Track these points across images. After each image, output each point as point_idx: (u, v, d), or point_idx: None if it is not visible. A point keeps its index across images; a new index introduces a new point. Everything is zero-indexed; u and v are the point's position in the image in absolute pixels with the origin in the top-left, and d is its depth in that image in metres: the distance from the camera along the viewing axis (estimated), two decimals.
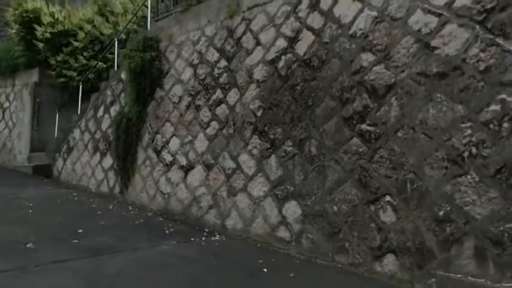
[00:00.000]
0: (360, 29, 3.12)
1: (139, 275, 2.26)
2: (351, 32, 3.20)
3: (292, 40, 3.73)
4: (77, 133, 6.52)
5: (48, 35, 7.34)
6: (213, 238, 3.43)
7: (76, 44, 7.40)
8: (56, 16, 7.51)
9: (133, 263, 2.45)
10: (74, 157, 6.47)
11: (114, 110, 5.90)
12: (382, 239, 2.70)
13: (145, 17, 6.81)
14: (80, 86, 6.93)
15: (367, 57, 3.02)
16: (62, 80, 7.61)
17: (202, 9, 4.86)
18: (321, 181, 3.22)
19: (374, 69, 2.96)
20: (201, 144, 4.44)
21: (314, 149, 3.32)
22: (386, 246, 2.66)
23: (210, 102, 4.46)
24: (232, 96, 4.24)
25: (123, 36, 6.73)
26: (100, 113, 6.14)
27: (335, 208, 3.07)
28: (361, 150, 2.95)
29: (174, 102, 4.94)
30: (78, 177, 6.33)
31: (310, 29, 3.58)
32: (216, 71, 4.49)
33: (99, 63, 7.18)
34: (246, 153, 3.92)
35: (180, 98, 4.88)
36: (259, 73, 4.00)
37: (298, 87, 3.56)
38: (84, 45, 7.38)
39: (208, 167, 4.30)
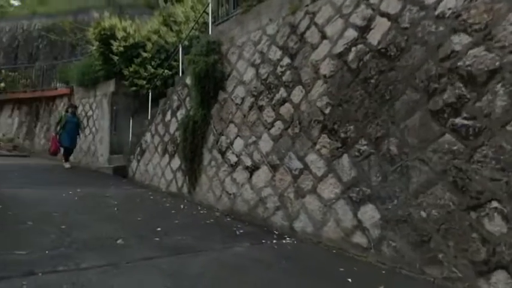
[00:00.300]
0: (450, 8, 2.72)
1: (220, 276, 2.26)
2: (437, 12, 2.81)
3: (364, 29, 3.44)
4: (148, 136, 7.04)
5: (121, 48, 8.08)
6: (283, 241, 3.33)
7: (145, 54, 8.01)
8: (127, 30, 8.23)
9: (213, 265, 2.48)
10: (146, 159, 7.00)
11: (180, 113, 6.21)
12: (488, 252, 2.29)
13: (206, 23, 7.06)
14: (150, 93, 7.47)
15: (460, 40, 2.61)
16: (134, 88, 8.31)
17: (263, 8, 4.81)
18: (404, 183, 2.88)
19: (470, 53, 2.54)
20: (265, 144, 4.38)
21: (394, 147, 3.00)
22: (495, 261, 2.25)
23: (274, 101, 4.38)
24: (297, 94, 4.10)
25: (186, 43, 7.06)
26: (168, 117, 6.53)
27: (423, 214, 2.71)
28: (455, 148, 2.55)
29: (237, 104, 4.99)
30: (150, 177, 6.82)
31: (384, 15, 3.26)
32: (279, 69, 4.40)
33: (165, 70, 7.67)
34: (314, 153, 3.74)
35: (243, 99, 4.90)
36: (326, 68, 3.79)
37: (372, 80, 3.27)
38: (152, 55, 7.95)
39: (273, 168, 4.22)
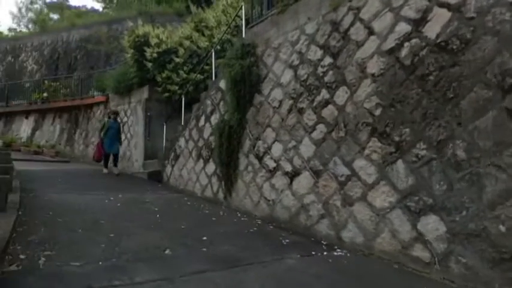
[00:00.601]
0: None
1: None
2: None
3: (418, 22, 3.15)
4: (182, 142, 7.07)
5: (155, 54, 8.23)
6: (335, 253, 3.11)
7: (177, 60, 8.10)
8: (160, 37, 8.37)
9: (270, 281, 2.31)
10: (180, 164, 7.03)
11: (214, 118, 6.16)
12: None
13: (237, 27, 7.00)
14: (183, 99, 7.52)
15: None
16: (167, 94, 8.42)
17: (301, 7, 4.62)
18: (476, 192, 2.56)
19: None
20: (307, 149, 4.18)
21: (461, 152, 2.68)
22: None
23: (315, 104, 4.17)
24: (341, 95, 3.86)
25: (218, 47, 7.03)
26: (201, 122, 6.51)
27: (502, 228, 2.38)
28: None
29: (274, 107, 4.83)
30: (184, 182, 6.83)
31: (444, 5, 2.95)
32: (320, 69, 4.18)
33: (197, 75, 7.69)
34: (363, 159, 3.47)
35: (281, 102, 4.73)
36: (374, 66, 3.53)
37: (431, 77, 2.97)
38: (184, 60, 8.02)
39: (316, 174, 4.00)
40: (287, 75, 4.69)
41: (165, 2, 13.44)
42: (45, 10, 20.67)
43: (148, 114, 8.67)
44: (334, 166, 3.79)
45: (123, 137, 9.51)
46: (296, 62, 4.58)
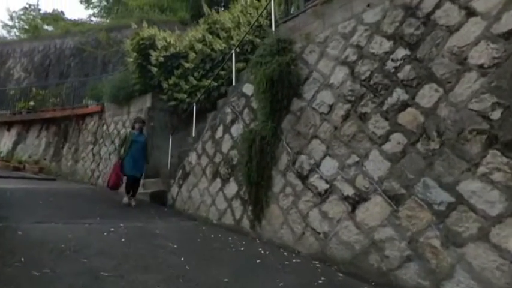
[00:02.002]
0: None
1: None
2: None
3: None
4: (193, 157, 5.99)
5: (162, 58, 7.31)
6: None
7: (187, 65, 7.18)
8: (168, 40, 7.49)
9: None
10: (190, 183, 5.91)
11: (236, 128, 5.14)
12: None
13: (260, 26, 6.17)
14: (194, 107, 6.52)
15: None
16: (173, 103, 7.44)
17: None
18: None
19: None
20: (376, 166, 3.18)
21: None
22: None
23: (385, 107, 3.23)
24: (427, 94, 2.93)
25: (238, 49, 6.16)
26: (219, 133, 5.47)
27: None
28: None
29: (321, 113, 3.86)
30: (195, 205, 5.69)
31: None
32: (390, 64, 3.28)
33: (211, 81, 6.75)
34: (477, 180, 2.49)
35: (331, 106, 3.78)
36: (481, 55, 2.63)
37: None
38: (196, 65, 7.10)
39: (395, 199, 2.98)
40: (339, 74, 3.78)
41: (169, 10, 12.72)
42: (39, 21, 19.77)
43: (151, 125, 7.60)
44: (425, 190, 2.79)
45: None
46: (352, 58, 3.67)
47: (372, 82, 3.41)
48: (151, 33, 7.71)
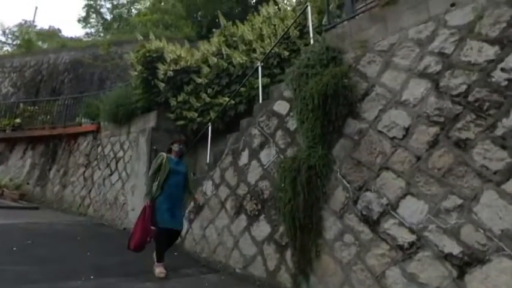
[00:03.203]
0: None
1: None
2: None
3: None
4: (208, 187, 5.00)
5: (171, 73, 6.48)
6: None
7: (199, 80, 6.36)
8: (178, 53, 6.71)
9: None
10: (205, 219, 4.87)
11: (266, 154, 4.23)
12: None
13: (287, 38, 5.45)
14: (209, 128, 5.61)
15: None
16: (181, 122, 6.54)
17: None
18: None
19: None
20: (496, 213, 2.28)
21: None
22: None
23: (500, 131, 2.39)
24: None
25: (261, 63, 5.39)
26: (243, 159, 4.54)
27: None
28: None
29: (392, 138, 3.01)
30: (211, 247, 4.63)
31: None
32: (500, 75, 2.48)
33: (226, 99, 5.92)
34: None
35: (407, 129, 2.93)
36: None
37: None
38: (209, 80, 6.29)
39: None
40: (416, 89, 2.97)
41: (173, 27, 12.14)
42: (34, 36, 19.09)
43: (154, 147, 6.62)
44: None
45: (115, 177, 7.29)
46: (435, 68, 2.89)
47: (471, 99, 2.60)
48: (159, 45, 6.94)
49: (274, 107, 4.37)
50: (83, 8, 20.86)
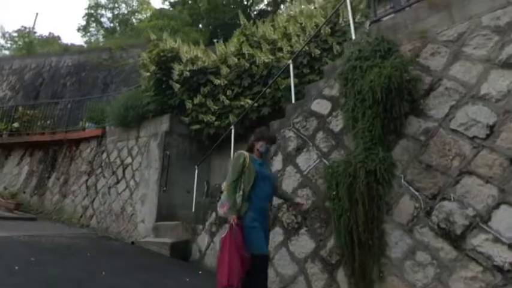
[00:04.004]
0: None
1: None
2: None
3: None
4: None
5: (187, 73, 6.05)
6: None
7: (217, 81, 5.93)
8: (194, 52, 6.31)
9: None
10: None
11: (305, 159, 3.76)
12: None
13: (317, 36, 5.08)
14: (232, 131, 5.14)
15: None
16: (197, 126, 6.06)
17: None
18: None
19: None
20: None
21: None
22: None
23: None
24: None
25: (290, 62, 4.99)
26: (276, 165, 4.06)
27: None
28: None
29: (472, 138, 2.58)
30: None
31: None
32: None
33: (249, 101, 5.49)
34: None
35: (492, 128, 2.50)
36: None
37: None
38: (228, 82, 5.87)
39: None
40: (500, 82, 2.56)
41: (182, 32, 11.81)
42: (35, 42, 18.67)
43: (167, 153, 6.12)
44: None
45: (122, 185, 6.74)
46: None
47: None
48: (174, 45, 6.53)
49: (312, 106, 3.94)
50: (83, 17, 20.63)
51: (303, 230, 3.51)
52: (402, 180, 2.87)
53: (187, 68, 6.08)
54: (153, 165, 6.20)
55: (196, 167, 5.66)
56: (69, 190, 7.79)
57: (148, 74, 6.47)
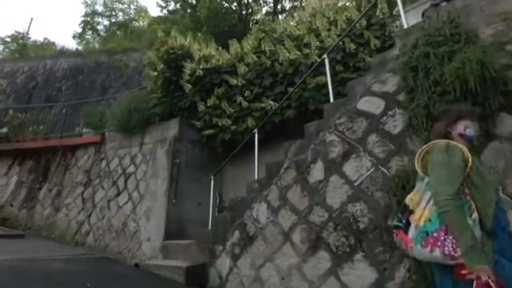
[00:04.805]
0: None
1: None
2: None
3: None
4: (261, 211, 3.81)
5: (200, 72, 5.44)
6: None
7: (234, 81, 5.34)
8: (208, 50, 5.72)
9: None
10: (258, 255, 3.65)
11: (355, 166, 3.14)
12: None
13: (350, 31, 4.53)
14: (256, 135, 4.50)
15: None
16: (210, 131, 5.43)
17: None
18: None
19: None
20: None
21: None
22: None
23: None
24: None
25: (315, 58, 4.43)
26: (316, 174, 3.42)
27: None
28: None
29: None
30: None
31: None
32: None
33: (271, 102, 4.89)
34: None
35: None
36: None
37: None
38: (247, 81, 5.28)
39: None
40: None
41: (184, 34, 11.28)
42: (29, 46, 17.97)
43: (177, 161, 5.44)
44: None
45: (123, 197, 6.01)
46: None
47: None
48: (184, 43, 5.95)
49: (358, 105, 3.34)
50: (79, 24, 20.14)
51: (358, 256, 2.85)
52: (500, 193, 2.25)
53: (200, 66, 5.48)
54: (160, 175, 5.50)
55: (212, 177, 4.98)
56: (63, 203, 7.00)
57: (155, 73, 5.84)
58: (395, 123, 3.02)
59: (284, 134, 5.14)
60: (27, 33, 20.74)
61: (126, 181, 6.11)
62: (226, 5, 13.89)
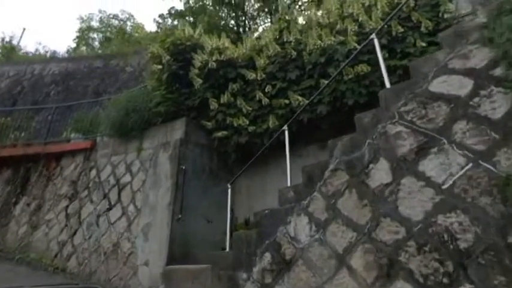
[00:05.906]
0: None
1: None
2: None
3: None
4: (300, 226, 2.93)
5: (213, 64, 4.69)
6: None
7: (252, 75, 4.60)
8: (221, 41, 5.01)
9: None
10: (300, 285, 2.73)
11: (439, 164, 2.34)
12: None
13: (387, 14, 3.89)
14: (286, 135, 3.69)
15: None
16: (223, 133, 4.62)
17: None
18: None
19: None
20: None
21: None
22: None
23: None
24: None
25: (357, 46, 3.74)
26: (379, 176, 2.60)
27: None
28: None
29: None
30: None
31: None
32: None
33: (299, 98, 4.14)
34: None
35: None
36: None
37: None
38: (267, 75, 4.55)
39: None
40: None
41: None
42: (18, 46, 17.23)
43: (183, 167, 4.56)
44: None
45: (116, 211, 5.03)
46: None
47: None
48: (192, 34, 5.25)
49: (431, 87, 2.60)
50: (74, 39, 19.61)
51: (465, 285, 1.98)
52: None
53: (213, 58, 4.74)
54: (162, 185, 4.59)
55: (229, 185, 4.10)
56: (42, 219, 5.94)
57: (160, 66, 5.05)
58: (495, 105, 2.27)
59: (312, 135, 4.38)
60: (19, 43, 20.00)
61: (119, 193, 5.15)
62: (223, 22, 13.64)
